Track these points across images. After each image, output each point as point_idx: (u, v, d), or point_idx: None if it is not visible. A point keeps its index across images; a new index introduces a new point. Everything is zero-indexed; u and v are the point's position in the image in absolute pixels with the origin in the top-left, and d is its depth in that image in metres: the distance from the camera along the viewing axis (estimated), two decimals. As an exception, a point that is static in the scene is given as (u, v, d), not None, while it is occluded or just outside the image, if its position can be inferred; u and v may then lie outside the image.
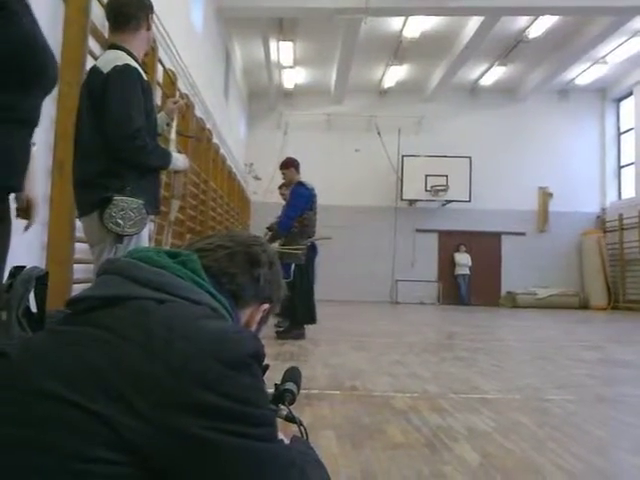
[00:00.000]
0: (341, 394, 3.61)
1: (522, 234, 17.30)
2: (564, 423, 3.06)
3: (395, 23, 13.07)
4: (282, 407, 1.28)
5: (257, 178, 15.83)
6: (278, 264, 1.25)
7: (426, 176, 16.64)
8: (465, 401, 3.50)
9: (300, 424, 1.29)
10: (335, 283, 15.66)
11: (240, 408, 0.88)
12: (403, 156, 16.94)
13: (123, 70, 2.63)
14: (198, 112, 8.83)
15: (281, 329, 6.57)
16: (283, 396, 1.30)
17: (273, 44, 13.60)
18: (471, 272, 17.00)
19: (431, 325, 10.47)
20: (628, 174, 17.01)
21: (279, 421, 1.22)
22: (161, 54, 6.53)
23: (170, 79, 6.96)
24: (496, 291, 17.32)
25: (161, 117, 3.17)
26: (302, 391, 3.54)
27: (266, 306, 1.23)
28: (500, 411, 3.27)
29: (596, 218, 17.46)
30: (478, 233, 17.20)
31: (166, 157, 2.88)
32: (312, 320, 6.72)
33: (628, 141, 17.04)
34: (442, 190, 16.62)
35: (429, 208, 17.25)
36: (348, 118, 17.24)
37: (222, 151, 11.49)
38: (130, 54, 2.74)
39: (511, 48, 14.29)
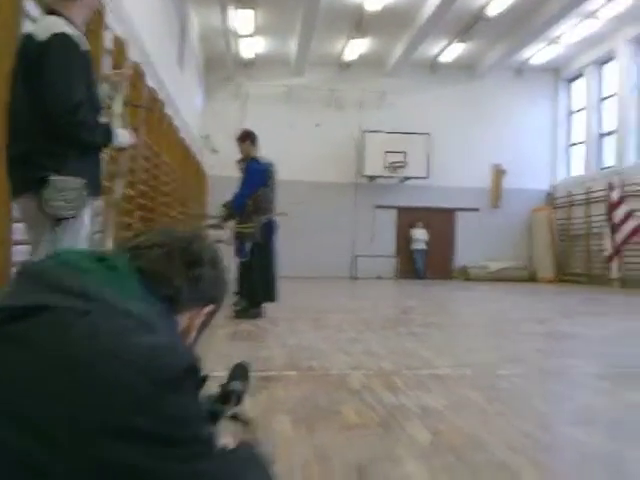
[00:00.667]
0: (298, 375, 3.66)
1: (476, 210, 17.63)
2: (512, 398, 3.19)
3: (356, -5, 12.98)
4: (228, 408, 1.24)
5: (214, 151, 15.59)
6: (222, 260, 1.18)
7: (386, 152, 16.72)
8: (417, 378, 3.61)
9: (247, 423, 1.27)
10: (295, 259, 15.67)
11: (172, 430, 0.82)
12: (364, 131, 16.95)
13: (62, 38, 2.41)
14: (150, 81, 8.61)
15: (238, 308, 6.56)
16: (229, 397, 1.27)
17: (232, 12, 13.33)
18: (427, 247, 17.29)
19: (388, 300, 10.64)
20: (578, 153, 17.45)
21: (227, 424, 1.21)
22: (110, 20, 6.32)
23: (120, 46, 6.76)
24: (450, 265, 17.68)
25: (103, 90, 2.94)
26: (259, 373, 3.62)
27: (208, 308, 1.15)
28: (451, 387, 3.38)
29: (546, 195, 17.90)
30: (434, 209, 17.44)
31: (109, 134, 2.68)
32: (271, 298, 6.70)
33: (578, 121, 17.44)
34: (400, 167, 16.75)
35: (388, 184, 17.37)
36: (309, 91, 17.10)
37: (176, 122, 11.26)
38: (71, 21, 2.52)
39: (471, 25, 14.35)
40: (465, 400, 3.10)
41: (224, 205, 7.01)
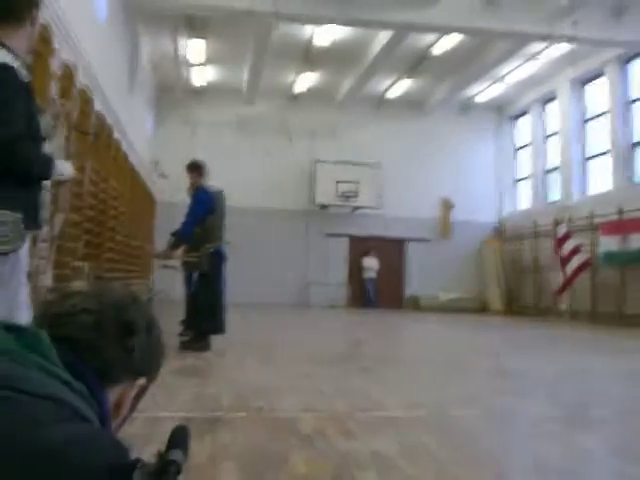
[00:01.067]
0: (246, 416, 3.49)
1: (426, 240, 17.82)
2: (466, 443, 3.10)
3: (306, 30, 13.11)
4: None
5: (163, 176, 15.33)
6: (157, 326, 1.08)
7: (337, 182, 16.81)
8: (370, 420, 3.50)
9: None
10: (247, 286, 15.47)
11: None
12: (315, 161, 17.00)
13: (1, 69, 2.32)
14: (99, 107, 8.41)
15: (185, 339, 6.34)
16: (167, 469, 1.12)
17: (183, 40, 13.26)
18: (378, 276, 17.34)
19: (339, 332, 10.53)
20: (524, 187, 17.90)
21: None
22: (58, 45, 6.13)
23: (68, 72, 6.56)
24: (400, 294, 17.76)
25: (46, 120, 2.86)
26: (205, 414, 3.43)
27: (142, 380, 1.04)
28: (404, 430, 3.28)
29: (494, 228, 18.25)
30: (386, 239, 17.55)
31: (49, 165, 2.55)
32: (219, 330, 6.52)
33: (524, 156, 17.94)
34: (352, 196, 16.85)
35: (340, 213, 17.42)
36: (260, 120, 17.10)
37: (125, 148, 11.04)
38: (10, 51, 2.41)
39: (418, 63, 14.67)
40: (419, 445, 2.99)
41: (172, 234, 6.83)
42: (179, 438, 1.21)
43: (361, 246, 17.49)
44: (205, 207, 6.49)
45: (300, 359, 6.06)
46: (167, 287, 13.72)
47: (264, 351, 6.57)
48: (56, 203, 3.06)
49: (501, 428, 3.53)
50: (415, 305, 17.08)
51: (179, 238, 6.63)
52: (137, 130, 13.53)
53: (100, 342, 0.95)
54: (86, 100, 7.49)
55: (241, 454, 2.73)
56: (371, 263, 17.40)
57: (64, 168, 2.67)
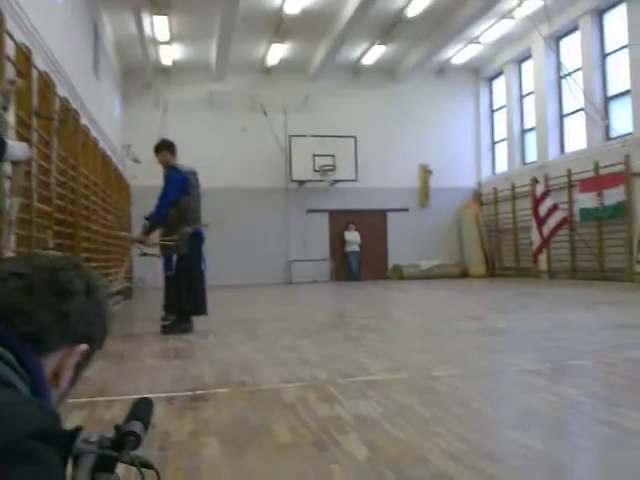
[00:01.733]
0: (228, 392, 3.45)
1: (406, 210, 17.81)
2: (449, 401, 3.09)
3: (275, -1, 12.86)
4: (124, 453, 1.04)
5: (136, 161, 15.07)
6: (101, 290, 1.02)
7: (314, 156, 16.66)
8: (354, 385, 3.47)
9: (151, 468, 1.08)
10: (229, 267, 15.42)
11: None
12: (290, 136, 16.83)
13: None
14: (61, 91, 8.19)
15: (166, 323, 6.27)
16: (124, 441, 1.06)
17: (147, 18, 12.95)
18: (360, 249, 17.33)
19: (324, 304, 10.52)
20: (502, 149, 17.90)
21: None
22: (11, 26, 5.93)
23: (24, 55, 6.36)
24: (384, 265, 17.78)
25: None
26: (187, 393, 3.39)
27: (83, 347, 0.97)
28: (387, 393, 3.26)
29: (473, 192, 18.28)
30: (365, 211, 17.50)
31: (1, 146, 2.47)
32: (200, 311, 6.46)
33: (501, 118, 17.90)
34: (330, 170, 16.73)
35: (319, 188, 17.30)
36: (232, 96, 16.81)
37: (93, 133, 10.81)
38: None
39: (390, 27, 14.48)
40: (402, 406, 2.98)
41: (147, 218, 6.69)
42: (139, 410, 1.15)
43: (342, 220, 17.43)
44: (179, 188, 6.36)
45: (283, 333, 6.03)
46: (148, 274, 13.62)
47: (247, 329, 6.53)
48: (11, 186, 2.94)
49: (485, 385, 3.53)
50: (399, 275, 17.11)
51: (154, 221, 6.50)
52: (106, 114, 13.26)
53: (31, 306, 0.88)
54: (47, 84, 7.29)
55: (223, 428, 2.70)
56: (352, 236, 17.37)
57: (18, 149, 2.57)
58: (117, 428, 1.09)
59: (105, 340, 1.05)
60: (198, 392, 3.43)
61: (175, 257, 6.30)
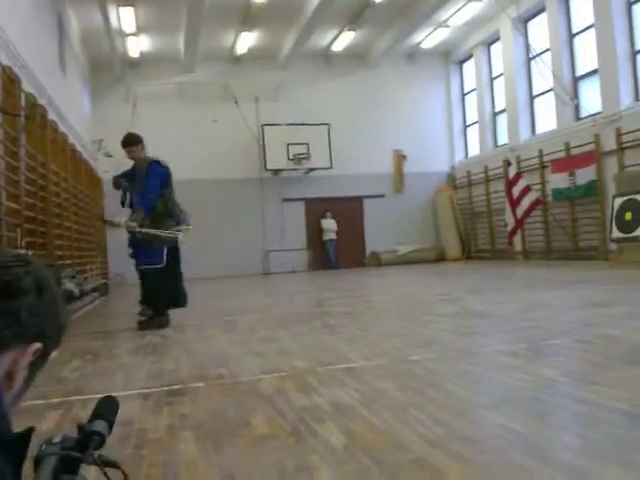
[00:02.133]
0: (205, 385, 3.42)
1: (381, 196, 17.84)
2: (427, 385, 3.09)
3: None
4: (88, 453, 1.02)
5: (108, 155, 14.84)
6: (54, 288, 0.99)
7: (288, 145, 16.59)
8: (332, 374, 3.47)
9: (117, 468, 1.05)
10: (205, 260, 15.33)
11: None
12: (263, 125, 16.73)
13: None
14: (27, 87, 8.03)
15: (143, 319, 6.20)
16: (88, 441, 1.04)
17: (113, 10, 12.72)
18: (337, 236, 17.34)
19: (302, 294, 10.50)
20: (473, 133, 17.98)
21: None
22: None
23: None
24: (361, 252, 17.82)
25: None
26: (163, 389, 3.36)
27: (36, 346, 0.95)
28: (365, 380, 3.26)
29: (447, 176, 18.37)
30: (341, 198, 17.49)
31: None
32: (180, 303, 6.42)
33: (471, 101, 17.97)
34: (304, 158, 16.67)
35: (294, 177, 17.25)
36: (202, 87, 16.65)
37: (62, 129, 10.63)
38: None
39: (359, 12, 14.41)
40: (379, 393, 2.98)
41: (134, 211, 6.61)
42: (103, 409, 1.12)
43: (318, 208, 17.40)
44: (163, 180, 6.31)
45: (261, 324, 6.01)
46: (123, 270, 13.49)
47: (224, 321, 6.50)
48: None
49: (462, 367, 3.54)
50: (376, 261, 17.17)
51: (141, 214, 6.34)
52: (75, 109, 13.05)
53: None
54: (11, 80, 7.14)
55: (200, 423, 2.67)
56: (329, 224, 17.36)
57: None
58: (80, 428, 1.06)
59: (62, 337, 1.02)
60: (174, 387, 3.39)
61: (165, 249, 6.24)
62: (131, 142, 6.40)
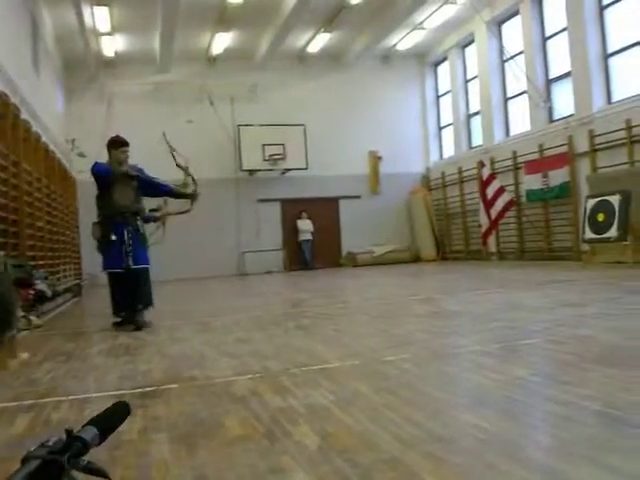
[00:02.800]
0: (179, 387, 3.39)
1: (357, 197, 17.88)
2: (401, 386, 3.10)
3: (217, -13, 12.66)
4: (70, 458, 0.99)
5: (82, 155, 14.66)
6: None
7: (263, 145, 16.54)
8: (306, 375, 3.46)
9: (103, 476, 1.02)
10: (179, 261, 15.23)
11: None
12: (238, 125, 16.66)
13: None
14: (-1, 85, 7.91)
15: (118, 320, 6.13)
16: (69, 447, 1.00)
17: (87, 9, 12.56)
18: (313, 237, 17.34)
19: (277, 295, 10.48)
20: (448, 135, 18.12)
21: None
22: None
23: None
24: (337, 253, 17.84)
25: None
26: (136, 391, 3.32)
27: None
28: (340, 381, 3.26)
29: (422, 177, 18.48)
30: (317, 199, 17.49)
31: None
32: (150, 304, 6.38)
33: (446, 103, 18.10)
34: (280, 159, 16.64)
35: (269, 177, 17.20)
36: (177, 87, 16.52)
37: (35, 128, 10.47)
38: None
39: (335, 14, 14.43)
40: (354, 393, 2.98)
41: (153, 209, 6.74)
42: (104, 415, 1.10)
43: (293, 209, 17.38)
44: None
45: (236, 326, 5.97)
46: (97, 271, 13.32)
47: (199, 322, 6.45)
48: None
49: (436, 367, 3.56)
50: (352, 262, 17.21)
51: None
52: (48, 108, 12.85)
53: None
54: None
55: (173, 425, 2.65)
56: (305, 225, 17.36)
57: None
58: (68, 433, 1.03)
59: (9, 327, 0.99)
60: (148, 389, 3.36)
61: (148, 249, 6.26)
62: (126, 143, 6.49)
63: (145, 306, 6.16)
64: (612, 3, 11.76)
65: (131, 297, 6.07)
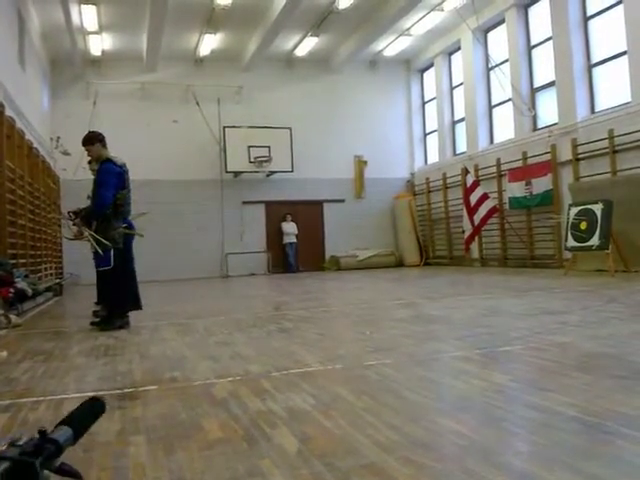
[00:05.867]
0: (158, 389, 3.36)
1: (342, 201, 17.91)
2: (382, 391, 3.10)
3: (206, -12, 12.63)
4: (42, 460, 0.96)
5: (66, 153, 14.57)
6: None
7: (249, 147, 16.52)
8: (287, 378, 3.45)
9: (76, 477, 0.99)
10: (163, 262, 15.17)
11: None
12: (224, 127, 16.63)
13: None
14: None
15: (97, 320, 6.07)
16: (40, 450, 0.97)
17: (75, 7, 12.48)
18: (297, 240, 17.34)
19: (259, 297, 10.45)
20: (433, 141, 18.22)
21: None
22: None
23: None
24: (321, 256, 17.85)
25: None
26: (115, 392, 3.28)
27: None
28: (320, 385, 3.25)
29: (406, 183, 18.56)
30: (302, 202, 17.50)
31: None
32: (137, 306, 6.31)
33: (431, 110, 18.20)
34: (265, 161, 16.63)
35: (254, 179, 17.19)
36: (164, 87, 16.47)
37: (20, 125, 10.37)
38: None
39: (322, 18, 14.47)
40: (334, 397, 2.97)
41: (74, 212, 6.36)
42: (77, 413, 1.06)
43: (278, 211, 17.38)
44: (117, 181, 6.10)
45: (217, 328, 5.95)
46: (79, 270, 13.23)
47: (180, 324, 6.42)
48: None
49: (417, 373, 3.56)
50: (336, 265, 17.23)
51: (91, 214, 6.16)
52: (33, 106, 12.75)
53: None
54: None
55: (152, 427, 2.62)
56: (290, 227, 17.36)
57: None
58: (41, 433, 1.00)
59: None
60: (127, 390, 3.33)
61: (112, 251, 6.09)
62: (87, 141, 6.22)
63: (97, 304, 6.33)
64: (596, 14, 11.92)
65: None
